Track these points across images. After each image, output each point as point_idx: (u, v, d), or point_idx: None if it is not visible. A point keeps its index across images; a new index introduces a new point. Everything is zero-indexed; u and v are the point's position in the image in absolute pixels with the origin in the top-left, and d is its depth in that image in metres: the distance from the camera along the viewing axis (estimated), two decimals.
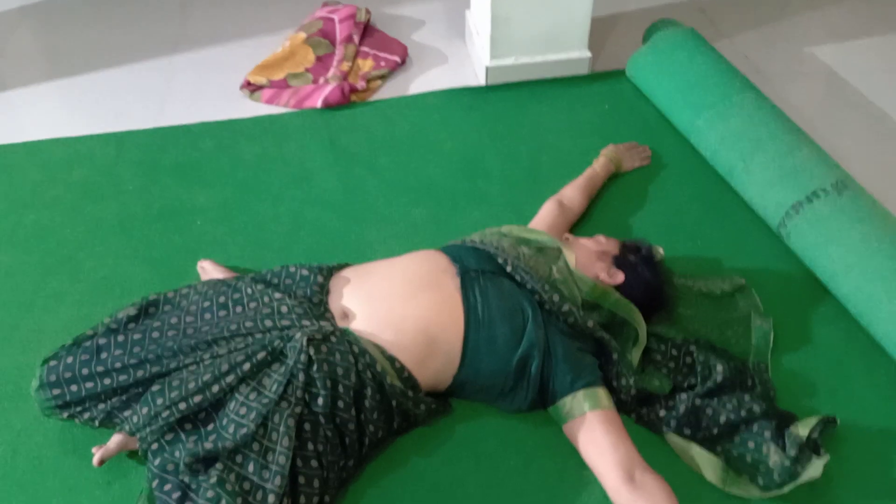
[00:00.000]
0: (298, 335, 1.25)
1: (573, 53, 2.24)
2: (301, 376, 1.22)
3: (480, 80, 2.27)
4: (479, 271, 1.41)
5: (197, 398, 1.21)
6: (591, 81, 2.28)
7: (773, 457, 1.26)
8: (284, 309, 1.33)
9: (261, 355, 1.25)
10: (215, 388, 1.22)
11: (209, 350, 1.29)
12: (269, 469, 1.15)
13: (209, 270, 1.63)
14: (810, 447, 1.26)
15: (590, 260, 1.49)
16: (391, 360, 1.29)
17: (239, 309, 1.35)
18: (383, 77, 2.33)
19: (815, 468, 1.22)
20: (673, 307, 1.54)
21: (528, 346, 1.33)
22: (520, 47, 2.20)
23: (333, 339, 1.27)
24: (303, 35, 2.42)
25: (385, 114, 2.19)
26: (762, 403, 1.34)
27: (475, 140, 2.08)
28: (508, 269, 1.41)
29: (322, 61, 2.37)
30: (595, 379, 1.33)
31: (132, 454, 1.31)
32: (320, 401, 1.22)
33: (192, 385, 1.22)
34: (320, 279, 1.41)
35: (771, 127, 1.81)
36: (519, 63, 2.22)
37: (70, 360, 1.29)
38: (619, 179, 1.93)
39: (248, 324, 1.31)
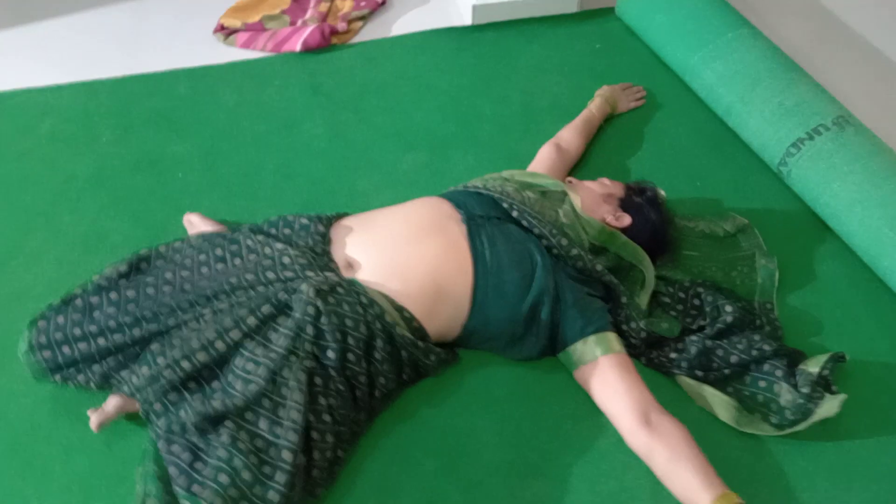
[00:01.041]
0: (304, 286, 1.20)
1: None
2: (309, 329, 1.17)
3: (466, 20, 2.17)
4: (485, 217, 1.37)
5: (201, 356, 1.16)
6: (580, 20, 2.20)
7: (786, 395, 1.27)
8: (286, 260, 1.28)
9: (266, 309, 1.20)
10: (219, 345, 1.17)
11: (209, 305, 1.23)
12: (281, 425, 1.11)
13: (197, 224, 1.55)
14: (822, 384, 1.27)
15: (595, 203, 1.46)
16: (399, 309, 1.25)
17: (238, 261, 1.29)
18: (364, 18, 2.22)
19: (830, 406, 1.23)
20: (677, 249, 1.52)
21: (537, 292, 1.30)
22: None
23: (340, 289, 1.22)
24: None
25: (369, 56, 2.09)
26: (772, 343, 1.34)
27: (464, 82, 2.00)
28: (515, 213, 1.37)
29: (299, 2, 2.25)
30: (605, 323, 1.31)
31: (131, 416, 1.25)
32: (330, 353, 1.18)
33: (194, 342, 1.16)
34: (321, 228, 1.35)
35: (768, 64, 1.78)
36: (506, 1, 2.13)
37: (60, 319, 1.23)
38: (615, 121, 1.88)
39: (249, 276, 1.26)
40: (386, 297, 1.26)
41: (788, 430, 1.24)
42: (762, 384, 1.30)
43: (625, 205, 1.47)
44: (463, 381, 1.34)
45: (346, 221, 1.40)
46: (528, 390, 1.34)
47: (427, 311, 1.29)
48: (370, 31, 2.19)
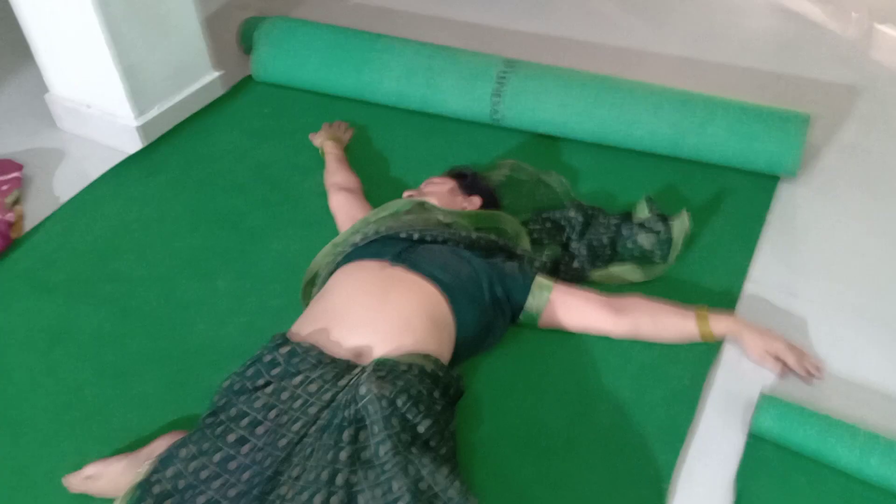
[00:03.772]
0: (363, 388, 1.13)
1: (205, 78, 2.15)
2: (394, 420, 1.12)
3: (132, 146, 2.02)
4: (402, 251, 1.43)
5: None
6: (235, 97, 2.24)
7: (648, 240, 1.66)
8: (312, 387, 1.17)
9: (346, 436, 1.10)
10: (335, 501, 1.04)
11: (279, 482, 1.06)
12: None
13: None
14: (661, 218, 1.70)
15: (448, 200, 1.63)
16: (426, 357, 1.27)
17: (262, 430, 1.13)
18: (19, 200, 1.87)
19: (680, 224, 1.66)
20: (502, 197, 1.79)
21: (486, 278, 1.44)
22: (157, 93, 2.02)
23: (381, 372, 1.17)
24: None
25: (74, 225, 1.81)
26: (608, 214, 1.73)
27: (183, 198, 1.89)
28: (416, 236, 1.46)
29: None
30: (531, 271, 1.52)
31: None
32: (421, 428, 1.16)
33: None
34: (299, 344, 1.26)
35: (428, 49, 2.13)
36: (165, 110, 2.04)
37: None
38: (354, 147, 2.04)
39: (295, 426, 1.12)
40: (409, 354, 1.25)
41: (674, 255, 1.65)
42: (630, 245, 1.68)
43: (466, 190, 1.67)
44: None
45: (305, 327, 1.32)
46: (517, 366, 1.48)
47: (438, 344, 1.32)
48: (37, 208, 1.87)
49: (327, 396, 1.17)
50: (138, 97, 1.97)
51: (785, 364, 1.42)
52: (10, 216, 1.79)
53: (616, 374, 1.45)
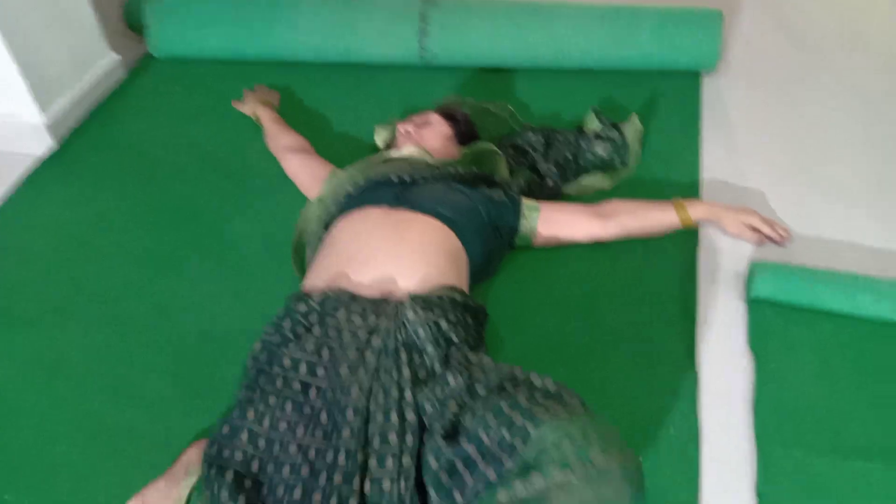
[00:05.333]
0: (409, 314, 1.17)
1: (104, 63, 1.97)
2: (442, 342, 1.17)
3: (41, 147, 1.82)
4: (398, 194, 1.41)
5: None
6: (137, 77, 2.07)
7: (604, 149, 1.74)
8: (357, 319, 1.18)
9: (404, 356, 1.13)
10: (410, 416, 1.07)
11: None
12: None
13: None
14: (613, 126, 1.78)
15: (444, 147, 1.63)
16: (452, 288, 1.28)
17: (326, 354, 1.14)
18: None
19: (632, 127, 1.76)
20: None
21: (483, 207, 1.45)
22: (59, 86, 1.84)
23: (420, 303, 1.20)
24: None
25: (10, 245, 1.63)
26: (570, 133, 1.78)
27: (121, 194, 1.73)
28: (408, 179, 1.45)
29: None
30: (517, 195, 1.55)
31: None
32: (465, 348, 1.19)
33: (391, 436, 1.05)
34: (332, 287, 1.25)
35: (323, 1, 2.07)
36: (70, 102, 1.86)
37: None
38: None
39: (351, 354, 1.14)
40: (437, 287, 1.27)
41: (635, 157, 1.74)
42: (591, 156, 1.75)
43: (460, 138, 1.68)
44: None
45: (319, 280, 1.29)
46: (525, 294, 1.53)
47: (457, 274, 1.34)
48: None
49: (372, 322, 1.17)
50: (40, 92, 1.78)
51: (760, 232, 1.57)
52: None
53: (613, 276, 1.53)
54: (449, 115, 1.71)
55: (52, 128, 1.82)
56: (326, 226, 1.45)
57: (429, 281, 1.28)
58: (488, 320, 1.37)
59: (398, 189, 1.43)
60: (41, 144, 1.83)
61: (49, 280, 1.55)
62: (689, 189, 1.70)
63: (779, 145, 1.85)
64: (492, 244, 1.46)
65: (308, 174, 1.67)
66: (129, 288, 1.53)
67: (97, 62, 1.96)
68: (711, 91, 2.00)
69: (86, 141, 1.88)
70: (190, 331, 1.45)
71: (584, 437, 0.90)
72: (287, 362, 1.15)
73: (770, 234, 1.55)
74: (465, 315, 1.26)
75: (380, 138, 1.77)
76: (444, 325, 1.18)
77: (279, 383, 1.14)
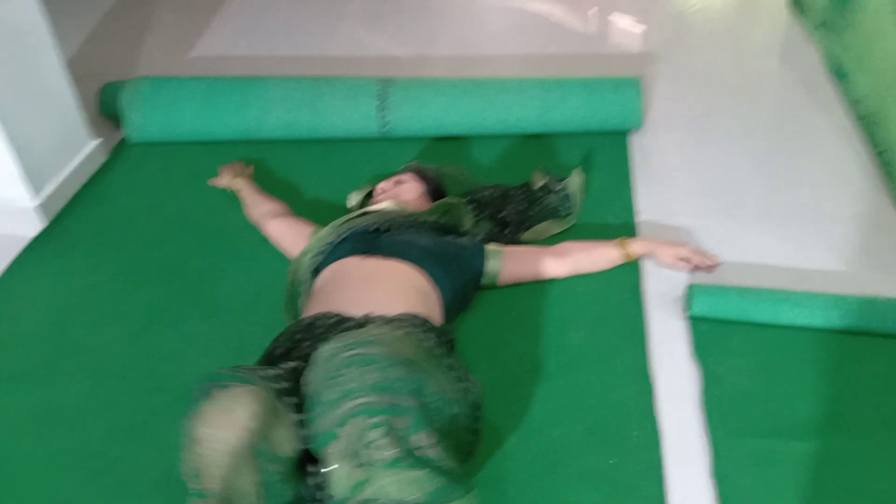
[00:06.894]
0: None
1: (87, 148, 2.11)
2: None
3: (32, 229, 1.94)
4: (370, 244, 1.60)
5: None
6: (117, 162, 2.22)
7: (549, 199, 1.98)
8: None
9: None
10: None
11: None
12: None
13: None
14: (557, 181, 2.02)
15: (417, 201, 1.84)
16: (414, 315, 1.46)
17: None
18: None
19: (574, 178, 2.01)
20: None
21: (450, 249, 1.66)
22: (49, 170, 1.98)
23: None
24: None
25: (10, 315, 1.74)
26: (520, 189, 2.02)
27: (113, 263, 1.88)
28: (383, 227, 1.66)
29: None
30: (481, 241, 1.77)
31: None
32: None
33: None
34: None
35: (306, 80, 2.30)
36: (58, 185, 1.99)
37: None
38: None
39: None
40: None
41: (576, 209, 1.97)
42: (540, 207, 1.98)
43: (432, 194, 1.89)
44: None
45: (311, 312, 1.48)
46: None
47: (427, 308, 1.50)
48: None
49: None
50: (33, 176, 1.92)
51: (691, 262, 1.80)
52: None
53: (572, 305, 1.73)
54: (421, 174, 1.93)
55: (43, 208, 1.95)
56: (314, 274, 1.62)
57: (397, 311, 1.45)
58: (462, 348, 1.55)
59: (372, 238, 1.63)
60: (31, 227, 1.95)
61: (40, 340, 1.68)
62: (627, 229, 1.94)
63: (700, 185, 2.13)
64: (459, 283, 1.65)
65: (293, 233, 1.83)
66: (117, 343, 1.67)
67: (82, 147, 2.11)
68: (639, 145, 2.29)
69: (74, 218, 2.02)
70: (190, 380, 1.55)
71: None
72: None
73: (699, 262, 1.79)
74: (424, 327, 1.42)
75: (352, 203, 1.97)
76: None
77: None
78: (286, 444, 1.17)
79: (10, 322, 1.73)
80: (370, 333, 1.22)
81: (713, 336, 1.64)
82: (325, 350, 1.20)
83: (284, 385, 1.21)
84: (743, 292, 1.68)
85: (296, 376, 1.26)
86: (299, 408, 1.20)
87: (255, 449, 1.12)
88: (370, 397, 1.10)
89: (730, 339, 1.63)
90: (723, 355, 1.60)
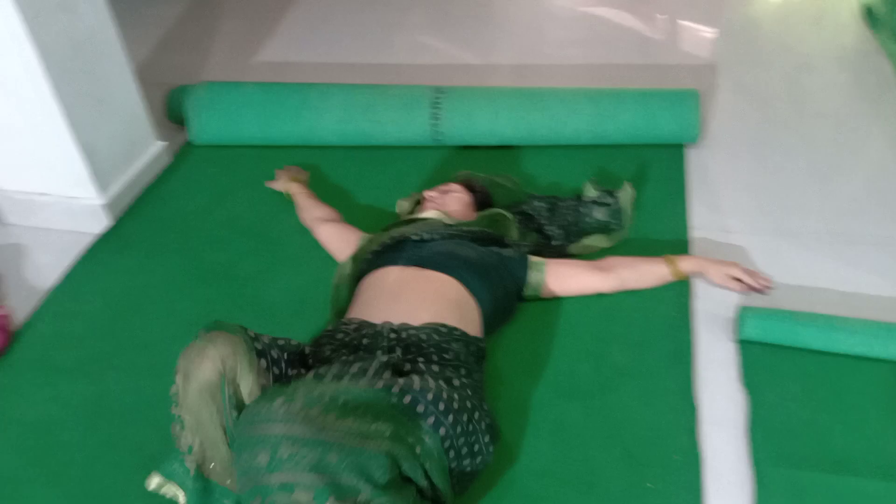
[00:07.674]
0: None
1: (152, 150, 2.20)
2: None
3: (97, 226, 2.04)
4: (412, 253, 1.62)
5: None
6: (183, 161, 2.31)
7: (601, 213, 1.95)
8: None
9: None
10: None
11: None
12: None
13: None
14: (608, 193, 2.00)
15: (463, 211, 1.85)
16: (440, 324, 1.49)
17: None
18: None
19: (625, 195, 1.97)
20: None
21: (490, 260, 1.66)
22: (115, 170, 2.07)
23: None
24: None
25: (70, 310, 1.83)
26: (570, 200, 2.00)
27: (168, 264, 1.95)
28: (425, 237, 1.67)
29: None
30: (524, 253, 1.76)
31: None
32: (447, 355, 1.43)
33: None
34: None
35: (360, 88, 2.33)
36: (124, 185, 2.08)
37: None
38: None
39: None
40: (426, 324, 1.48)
41: (627, 223, 1.95)
42: (589, 220, 1.96)
43: (479, 205, 1.91)
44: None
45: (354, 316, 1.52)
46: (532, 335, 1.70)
47: (459, 318, 1.51)
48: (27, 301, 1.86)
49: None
50: (100, 176, 2.00)
51: (743, 282, 1.75)
52: (3, 310, 1.77)
53: (617, 322, 1.70)
54: (468, 185, 1.93)
55: (109, 207, 2.04)
56: (358, 279, 1.66)
57: (422, 321, 1.47)
58: (500, 361, 1.55)
59: (414, 248, 1.64)
60: (97, 224, 2.05)
61: (97, 335, 1.76)
62: (679, 246, 1.90)
63: (756, 203, 2.06)
64: (500, 294, 1.64)
65: (340, 239, 1.87)
66: (174, 342, 1.69)
67: (147, 149, 2.20)
68: (695, 160, 2.24)
69: (137, 218, 2.10)
70: None
71: None
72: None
73: (751, 284, 1.74)
74: (450, 342, 1.44)
75: (401, 209, 1.99)
76: (407, 334, 1.41)
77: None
78: (250, 397, 1.26)
79: (72, 317, 1.82)
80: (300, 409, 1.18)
81: (763, 361, 1.59)
82: (262, 407, 1.20)
83: (264, 349, 1.32)
84: (796, 317, 1.62)
85: (298, 358, 1.39)
86: (277, 375, 1.32)
87: (221, 389, 1.23)
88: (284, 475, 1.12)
89: (781, 364, 1.58)
90: (772, 381, 1.55)
